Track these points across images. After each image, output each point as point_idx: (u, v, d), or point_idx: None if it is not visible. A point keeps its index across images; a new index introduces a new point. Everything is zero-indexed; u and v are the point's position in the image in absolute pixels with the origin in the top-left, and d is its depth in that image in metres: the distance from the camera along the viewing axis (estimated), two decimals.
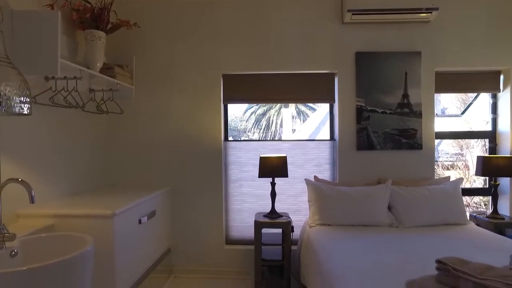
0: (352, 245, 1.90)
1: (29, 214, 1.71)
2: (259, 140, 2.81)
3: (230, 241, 2.76)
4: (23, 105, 1.33)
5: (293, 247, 2.53)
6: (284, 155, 2.46)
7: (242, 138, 2.82)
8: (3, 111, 1.28)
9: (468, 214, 2.54)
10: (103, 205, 1.87)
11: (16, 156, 1.71)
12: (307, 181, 2.50)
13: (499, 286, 1.00)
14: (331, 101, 2.70)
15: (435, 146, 2.71)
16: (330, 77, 2.67)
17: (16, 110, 1.31)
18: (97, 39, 2.18)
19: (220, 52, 2.66)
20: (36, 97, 1.77)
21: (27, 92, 1.35)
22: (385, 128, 2.59)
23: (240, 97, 2.73)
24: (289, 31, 2.64)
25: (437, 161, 4.21)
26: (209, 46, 2.67)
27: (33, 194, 1.31)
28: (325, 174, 2.68)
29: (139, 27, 2.56)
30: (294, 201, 2.70)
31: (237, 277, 2.66)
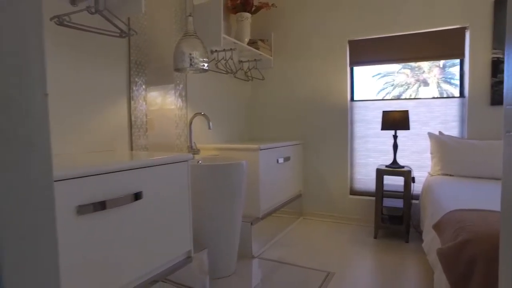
0: (470, 189, 1.96)
1: (202, 147, 2.44)
2: (383, 100, 2.96)
3: (354, 192, 3.06)
4: (204, 63, 1.97)
5: (415, 202, 2.66)
6: (406, 109, 2.59)
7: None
8: (194, 67, 1.94)
9: None
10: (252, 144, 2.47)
11: (195, 105, 2.45)
12: (430, 134, 2.56)
13: None
14: (460, 57, 2.64)
15: None
16: (459, 31, 2.61)
17: (200, 66, 1.95)
18: (245, 19, 2.78)
19: (345, 20, 2.93)
20: None
21: (207, 55, 1.99)
22: None
23: (365, 60, 2.94)
24: None
25: None
26: (335, 16, 2.97)
27: (210, 123, 1.95)
28: (452, 131, 2.66)
29: (276, 7, 3.07)
30: (418, 157, 2.79)
31: (359, 224, 2.95)
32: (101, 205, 1.12)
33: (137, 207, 1.27)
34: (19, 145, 0.44)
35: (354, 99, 3.05)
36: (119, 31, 1.70)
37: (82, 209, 1.06)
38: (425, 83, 3.59)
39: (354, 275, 1.98)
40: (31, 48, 0.45)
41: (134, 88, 1.93)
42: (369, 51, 2.90)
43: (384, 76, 3.90)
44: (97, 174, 1.12)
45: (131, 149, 1.92)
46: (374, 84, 3.19)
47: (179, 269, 1.56)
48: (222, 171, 1.80)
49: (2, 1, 0.40)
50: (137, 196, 1.26)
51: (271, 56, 3.16)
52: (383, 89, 3.73)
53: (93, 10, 1.55)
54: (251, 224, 2.22)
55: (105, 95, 1.76)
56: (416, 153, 2.79)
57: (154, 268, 1.39)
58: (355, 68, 3.05)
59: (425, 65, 3.30)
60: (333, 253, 2.32)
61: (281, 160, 2.60)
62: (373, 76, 3.26)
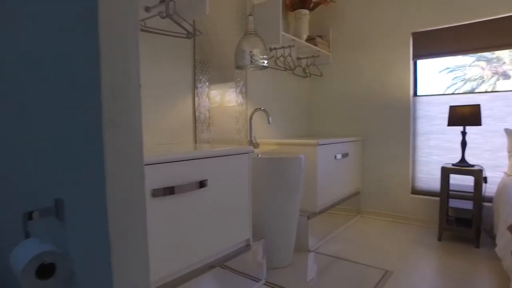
0: None
1: (261, 142, 2.51)
2: (451, 94, 2.77)
3: (415, 191, 2.92)
4: (264, 60, 2.04)
5: (487, 204, 2.46)
6: (478, 104, 2.40)
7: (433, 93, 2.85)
8: (254, 65, 2.02)
9: None
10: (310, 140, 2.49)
11: (255, 101, 2.54)
12: (507, 131, 2.35)
13: None
14: None
15: None
16: None
17: (260, 63, 2.03)
18: (303, 16, 2.80)
19: (409, 11, 2.79)
20: None
21: (266, 52, 2.06)
22: None
23: (431, 52, 2.77)
24: None
25: None
26: (397, 8, 2.84)
27: (270, 118, 2.02)
28: None
29: (335, 2, 3.04)
30: (492, 156, 2.57)
31: (421, 225, 2.81)
32: (170, 190, 1.24)
33: (202, 194, 1.38)
34: (122, 127, 0.54)
35: (417, 94, 2.90)
36: (186, 32, 1.84)
37: (155, 192, 1.19)
38: (506, 75, 3.23)
39: (415, 276, 1.90)
40: (130, 49, 0.54)
41: (198, 85, 2.06)
42: (436, 43, 2.74)
43: (453, 70, 3.59)
44: (169, 162, 1.24)
45: (195, 142, 2.06)
46: (441, 80, 2.98)
47: (238, 256, 1.64)
48: (281, 164, 1.86)
49: (114, 17, 0.50)
50: (202, 184, 1.37)
51: (329, 52, 3.14)
52: (452, 84, 3.44)
53: (164, 14, 1.70)
54: (308, 218, 2.24)
55: (173, 92, 1.92)
56: (489, 151, 2.58)
57: (215, 253, 1.49)
58: (419, 62, 2.90)
59: (506, 55, 2.99)
60: (392, 252, 2.25)
61: (339, 156, 2.58)
62: (440, 72, 3.05)
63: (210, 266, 1.48)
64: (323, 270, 1.98)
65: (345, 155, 2.69)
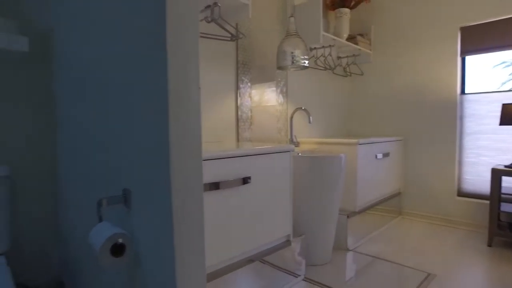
0: None
1: (301, 141, 2.54)
2: (504, 91, 2.62)
3: (462, 193, 2.79)
4: (305, 60, 2.07)
5: None
6: None
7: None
8: (295, 65, 2.07)
9: None
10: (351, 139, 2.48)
11: (295, 101, 2.58)
12: None
13: None
14: None
15: None
16: None
17: (301, 63, 2.06)
18: (343, 15, 2.79)
19: (456, 5, 2.68)
20: None
21: (307, 53, 2.09)
22: None
23: (482, 47, 2.64)
24: None
25: None
26: (443, 2, 2.74)
27: (311, 117, 2.05)
28: None
29: None
30: None
31: (468, 229, 2.69)
32: (215, 186, 1.32)
33: (245, 190, 1.45)
34: (184, 125, 0.61)
35: (465, 92, 2.78)
36: (229, 35, 1.92)
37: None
38: None
39: (462, 281, 1.84)
40: (191, 56, 0.62)
41: (240, 85, 2.14)
42: (488, 36, 2.60)
43: (510, 65, 3.32)
44: (215, 159, 1.32)
45: (237, 140, 2.14)
46: (494, 76, 2.80)
47: (278, 251, 1.70)
48: (322, 163, 1.89)
49: (180, 29, 0.57)
50: (245, 180, 1.44)
51: (370, 50, 3.09)
52: (509, 80, 3.20)
53: (209, 19, 1.79)
54: (348, 217, 2.25)
55: (217, 93, 2.01)
56: None
57: (256, 247, 1.55)
58: (468, 58, 2.76)
59: None
60: (435, 255, 2.19)
61: (380, 156, 2.55)
62: (495, 67, 2.85)
63: (250, 260, 1.54)
64: (362, 269, 1.98)
65: (386, 155, 2.65)
